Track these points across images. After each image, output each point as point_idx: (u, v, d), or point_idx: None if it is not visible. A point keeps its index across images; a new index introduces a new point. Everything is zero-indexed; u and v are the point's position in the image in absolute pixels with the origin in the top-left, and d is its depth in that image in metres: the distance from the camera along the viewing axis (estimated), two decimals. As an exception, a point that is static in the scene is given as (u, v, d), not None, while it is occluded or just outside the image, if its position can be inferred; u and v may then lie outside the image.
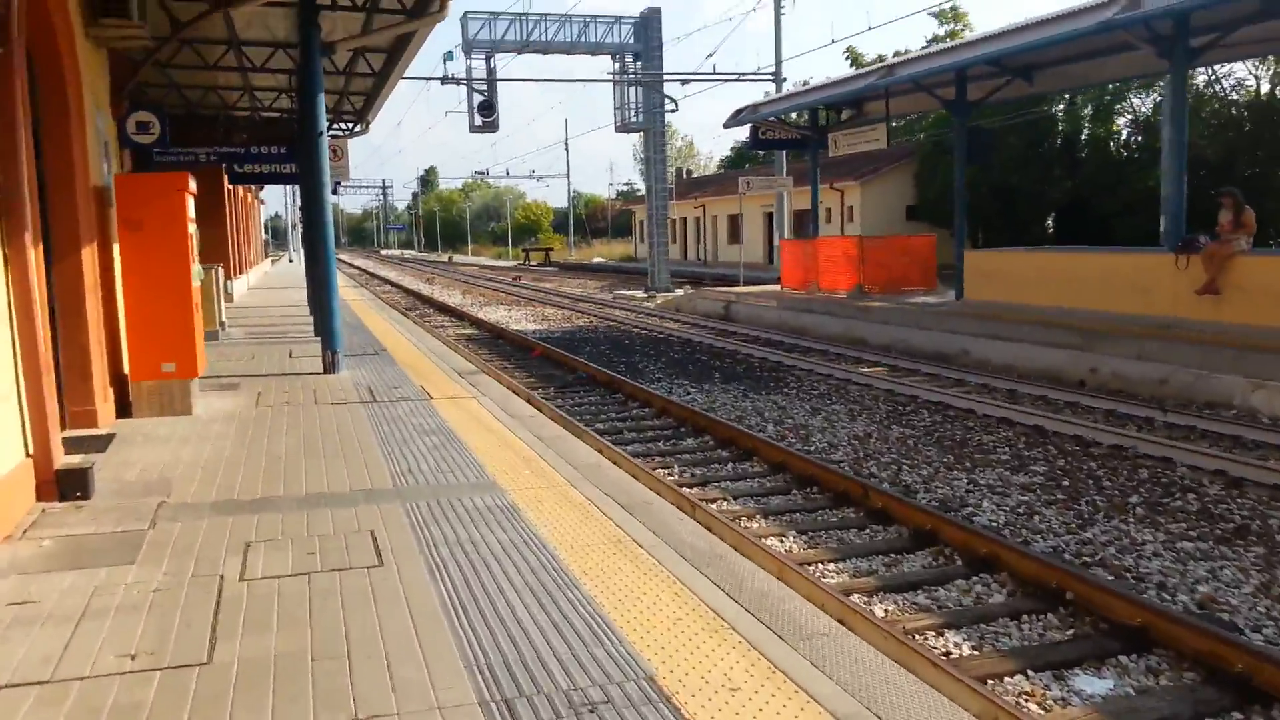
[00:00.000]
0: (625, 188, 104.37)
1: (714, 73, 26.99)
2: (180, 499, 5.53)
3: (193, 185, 8.35)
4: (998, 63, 17.90)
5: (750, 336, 19.93)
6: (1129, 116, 32.27)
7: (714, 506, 7.80)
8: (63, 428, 6.38)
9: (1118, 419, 10.93)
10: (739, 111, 24.04)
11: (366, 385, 9.66)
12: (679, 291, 32.20)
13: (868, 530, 7.34)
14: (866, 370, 15.18)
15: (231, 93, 18.74)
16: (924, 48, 42.76)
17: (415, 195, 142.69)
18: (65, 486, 5.46)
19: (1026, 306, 15.78)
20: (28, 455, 5.41)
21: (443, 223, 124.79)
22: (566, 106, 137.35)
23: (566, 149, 75.01)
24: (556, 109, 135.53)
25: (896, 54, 45.59)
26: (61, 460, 5.62)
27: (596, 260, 66.11)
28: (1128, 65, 17.07)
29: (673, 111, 28.34)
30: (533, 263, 68.51)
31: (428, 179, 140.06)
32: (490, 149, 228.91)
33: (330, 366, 10.45)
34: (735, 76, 28.35)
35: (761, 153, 62.45)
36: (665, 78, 28.48)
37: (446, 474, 6.07)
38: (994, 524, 7.40)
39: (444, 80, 28.84)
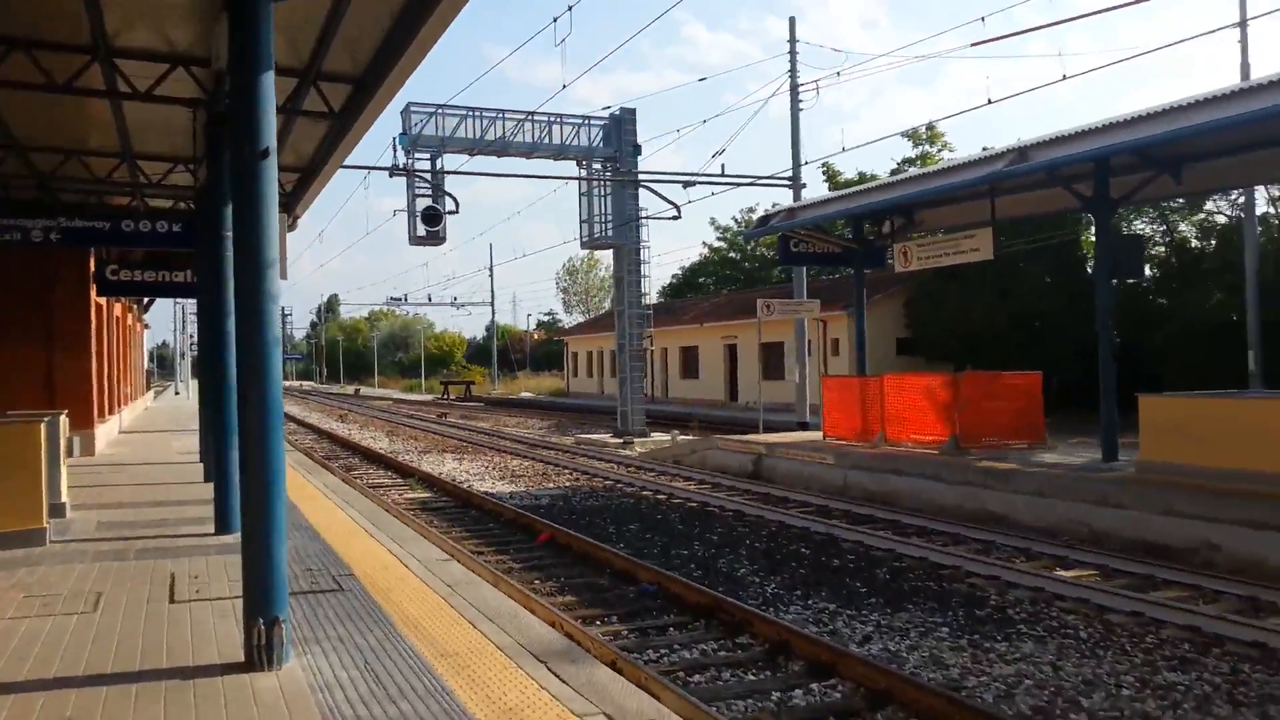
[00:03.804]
0: (546, 318, 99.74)
1: (722, 175, 22.38)
2: None
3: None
4: (1141, 152, 13.65)
5: (821, 508, 14.62)
6: (1161, 244, 28.85)
7: None
8: None
9: None
10: (767, 218, 19.35)
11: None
12: (662, 436, 26.82)
13: None
14: (1069, 576, 10.04)
15: (103, 159, 13.05)
16: (894, 170, 39.68)
17: (314, 324, 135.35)
18: None
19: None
20: None
21: (346, 353, 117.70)
22: (489, 234, 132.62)
23: (491, 275, 69.84)
24: (483, 236, 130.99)
25: (863, 176, 42.48)
26: None
27: (525, 395, 60.41)
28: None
29: (675, 219, 23.57)
30: (452, 396, 62.37)
31: (330, 306, 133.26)
32: (400, 276, 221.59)
33: (263, 656, 4.66)
34: (749, 180, 23.76)
35: (704, 280, 58.69)
36: (665, 178, 23.83)
37: None
38: None
39: (393, 171, 23.42)
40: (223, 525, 8.69)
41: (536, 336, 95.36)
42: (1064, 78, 16.13)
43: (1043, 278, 28.84)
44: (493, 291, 67.65)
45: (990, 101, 15.72)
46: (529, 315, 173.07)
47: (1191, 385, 22.60)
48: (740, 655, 7.49)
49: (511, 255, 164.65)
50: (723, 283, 57.13)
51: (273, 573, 4.67)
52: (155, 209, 15.03)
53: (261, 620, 4.64)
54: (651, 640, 7.92)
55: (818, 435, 19.56)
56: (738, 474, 18.70)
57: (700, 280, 59.14)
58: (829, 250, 19.68)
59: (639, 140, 27.73)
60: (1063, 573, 10.27)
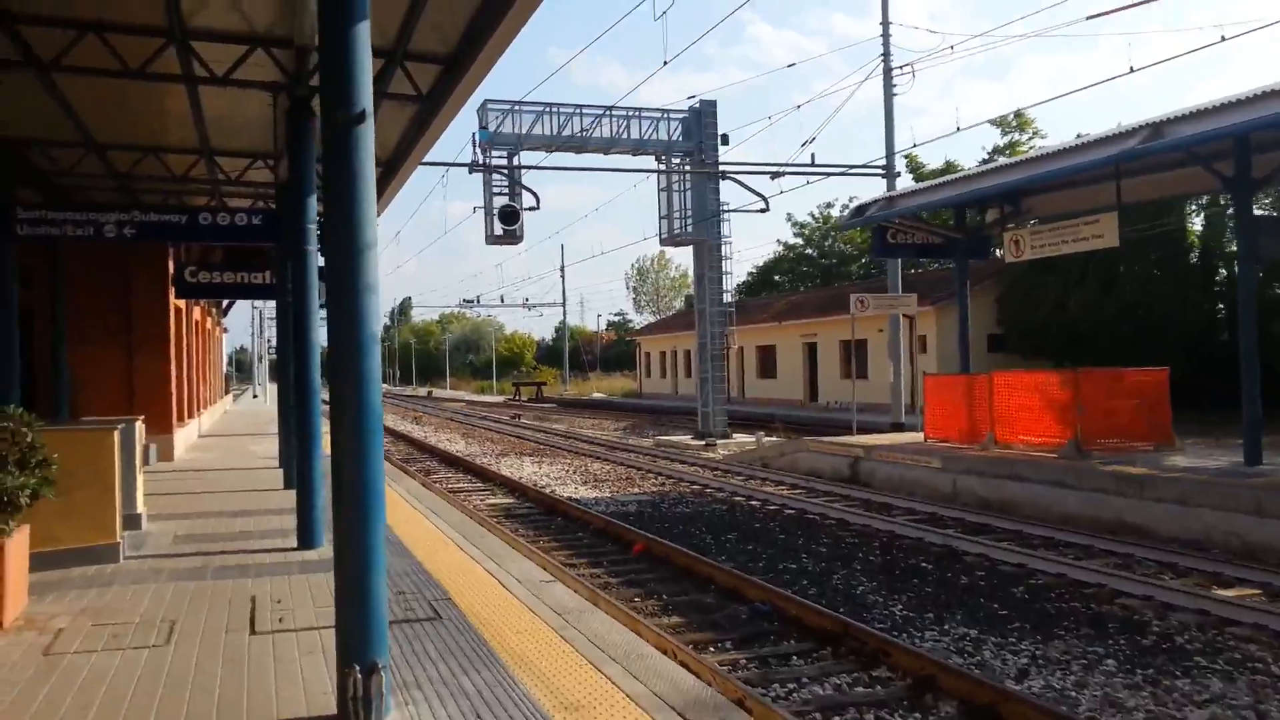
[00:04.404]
0: (616, 318, 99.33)
1: (813, 164, 21.35)
2: None
3: None
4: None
5: (932, 516, 13.63)
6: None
7: None
8: None
9: None
10: (863, 207, 18.32)
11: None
12: (745, 438, 25.90)
13: None
14: (1231, 595, 9.00)
15: (181, 156, 12.63)
16: (984, 160, 38.12)
17: (387, 327, 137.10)
18: None
19: None
20: None
21: (418, 355, 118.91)
22: (560, 236, 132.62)
23: (563, 276, 69.51)
24: (556, 237, 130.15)
25: (950, 165, 40.89)
26: None
27: (597, 395, 59.91)
28: None
29: (763, 211, 22.67)
30: (523, 398, 62.10)
31: (403, 309, 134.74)
32: (472, 279, 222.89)
33: (360, 710, 3.94)
34: (841, 169, 22.73)
35: (780, 278, 57.45)
36: (752, 169, 22.88)
37: None
38: None
39: (472, 167, 22.90)
40: (306, 539, 8.09)
41: (607, 337, 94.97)
42: (1223, 39, 14.73)
43: (1150, 269, 27.21)
44: (564, 292, 67.57)
45: (1132, 70, 14.49)
46: (599, 316, 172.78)
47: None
48: (880, 692, 6.61)
49: (583, 256, 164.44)
50: (799, 280, 55.92)
51: (371, 612, 3.95)
52: (234, 208, 14.68)
53: (358, 667, 3.92)
54: (775, 671, 7.08)
55: (917, 436, 18.50)
56: (832, 478, 17.74)
57: (775, 278, 57.97)
58: (929, 241, 18.58)
59: (722, 133, 26.86)
60: (1222, 592, 9.21)
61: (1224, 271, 27.95)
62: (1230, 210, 27.72)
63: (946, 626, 8.17)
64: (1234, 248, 28.09)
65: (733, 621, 8.44)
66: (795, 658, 7.43)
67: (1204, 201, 28.23)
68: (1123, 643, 7.60)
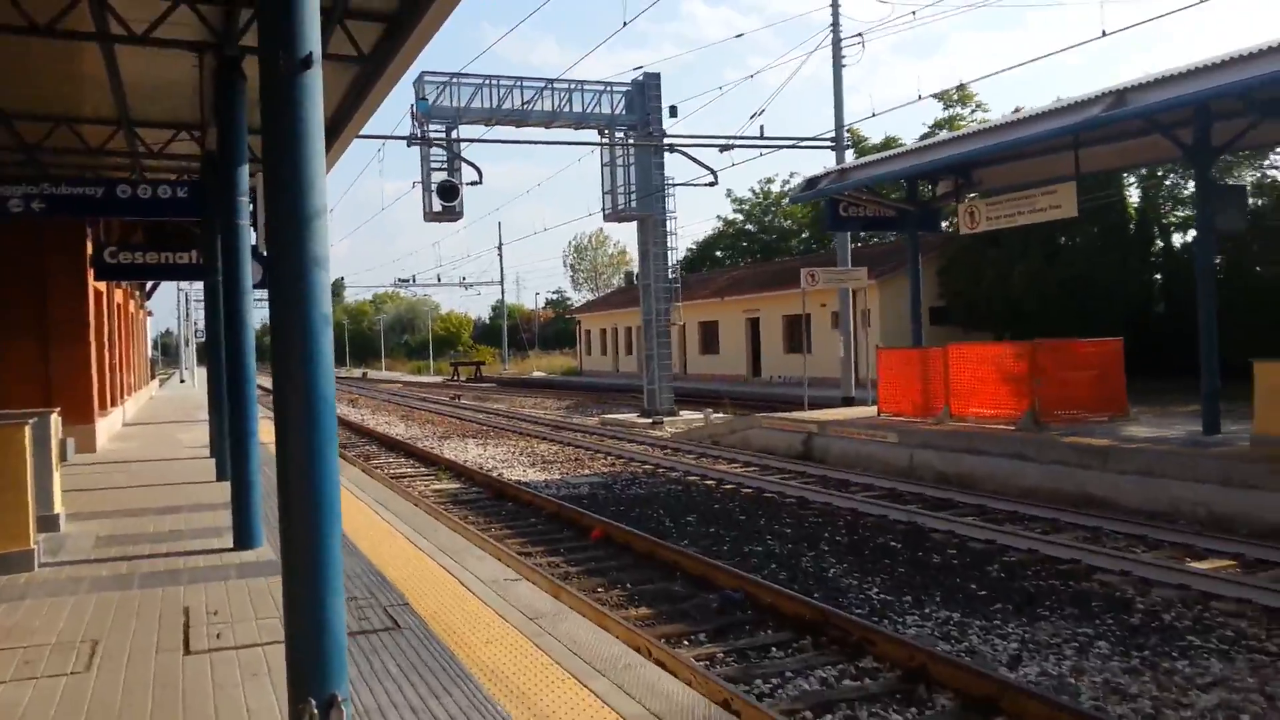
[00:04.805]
0: (555, 296, 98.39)
1: (761, 137, 20.89)
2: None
3: None
4: (1246, 95, 12.20)
5: (891, 492, 13.39)
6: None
7: None
8: None
9: None
10: (814, 180, 17.95)
11: None
12: (692, 415, 25.52)
13: None
14: (1207, 568, 8.86)
15: (97, 127, 11.70)
16: (924, 135, 38.12)
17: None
18: None
19: None
20: None
21: (351, 335, 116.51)
22: (498, 215, 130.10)
23: (500, 254, 68.49)
24: (493, 215, 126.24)
25: (889, 141, 40.91)
26: None
27: (537, 374, 59.15)
28: None
29: (711, 185, 22.12)
30: (462, 378, 61.10)
31: (335, 290, 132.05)
32: (407, 258, 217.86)
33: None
34: (791, 141, 22.30)
35: (720, 254, 57.14)
36: (700, 142, 22.33)
37: None
38: None
39: (410, 140, 21.98)
40: (243, 539, 7.44)
41: (545, 315, 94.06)
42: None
43: (1092, 241, 27.37)
44: (502, 270, 66.52)
45: (1104, 34, 14.26)
46: (537, 294, 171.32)
47: (1256, 352, 21.08)
48: (870, 685, 6.23)
49: (519, 236, 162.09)
50: (739, 255, 55.73)
51: (328, 636, 3.40)
52: (157, 180, 13.74)
53: (314, 701, 3.37)
54: (757, 666, 6.66)
55: (869, 411, 18.29)
56: (786, 455, 17.44)
57: (717, 254, 57.71)
58: (881, 213, 18.33)
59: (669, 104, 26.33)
60: (1197, 564, 9.05)
61: (1160, 243, 28.26)
62: (1168, 181, 28.12)
63: (927, 610, 7.84)
64: (1170, 219, 28.50)
65: (703, 611, 8.00)
66: (774, 649, 7.02)
67: (1142, 173, 28.50)
68: (1110, 622, 7.34)
